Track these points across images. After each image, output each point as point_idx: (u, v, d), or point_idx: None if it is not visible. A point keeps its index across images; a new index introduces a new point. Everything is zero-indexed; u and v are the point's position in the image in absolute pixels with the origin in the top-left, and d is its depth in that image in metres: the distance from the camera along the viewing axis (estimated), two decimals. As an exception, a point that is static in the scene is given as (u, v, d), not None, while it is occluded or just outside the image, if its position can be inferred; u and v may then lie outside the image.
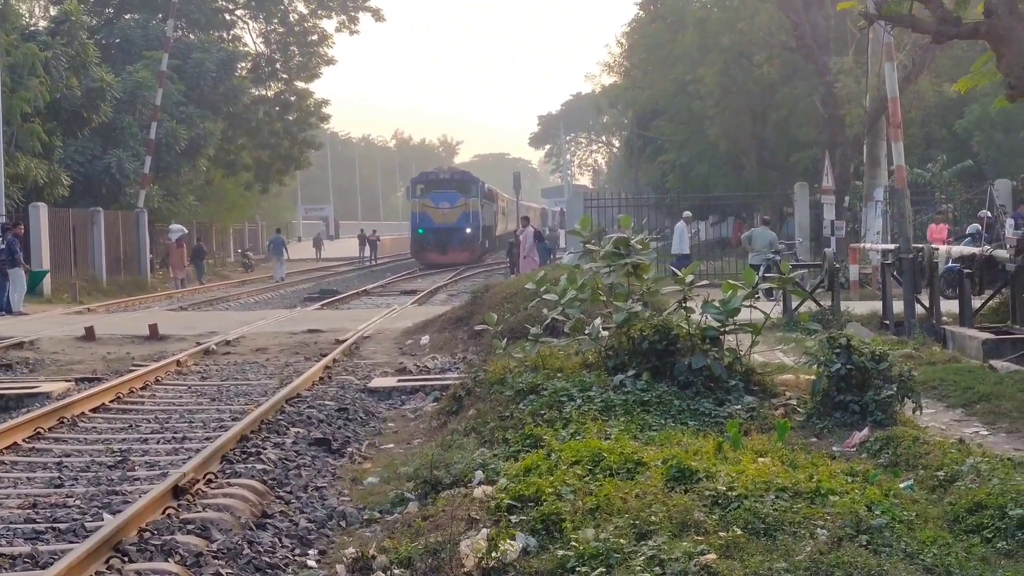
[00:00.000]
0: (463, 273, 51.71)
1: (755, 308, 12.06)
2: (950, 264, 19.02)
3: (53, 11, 51.99)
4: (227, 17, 63.97)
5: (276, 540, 8.07)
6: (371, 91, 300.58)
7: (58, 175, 40.51)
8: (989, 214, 27.89)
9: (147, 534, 7.78)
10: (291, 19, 64.67)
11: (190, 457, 10.09)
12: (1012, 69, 13.54)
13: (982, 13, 13.55)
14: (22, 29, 41.35)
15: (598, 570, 6.42)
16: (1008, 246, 17.35)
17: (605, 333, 12.29)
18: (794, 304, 19.14)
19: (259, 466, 10.05)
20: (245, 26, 64.90)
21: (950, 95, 30.77)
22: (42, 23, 48.65)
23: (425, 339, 20.30)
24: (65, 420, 12.44)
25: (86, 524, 8.23)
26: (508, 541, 6.94)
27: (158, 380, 15.68)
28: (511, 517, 7.36)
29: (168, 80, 47.17)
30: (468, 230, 59.82)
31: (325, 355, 17.85)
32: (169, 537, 7.70)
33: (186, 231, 46.92)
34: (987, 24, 13.46)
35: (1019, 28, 13.31)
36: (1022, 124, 36.30)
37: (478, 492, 8.07)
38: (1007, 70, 13.66)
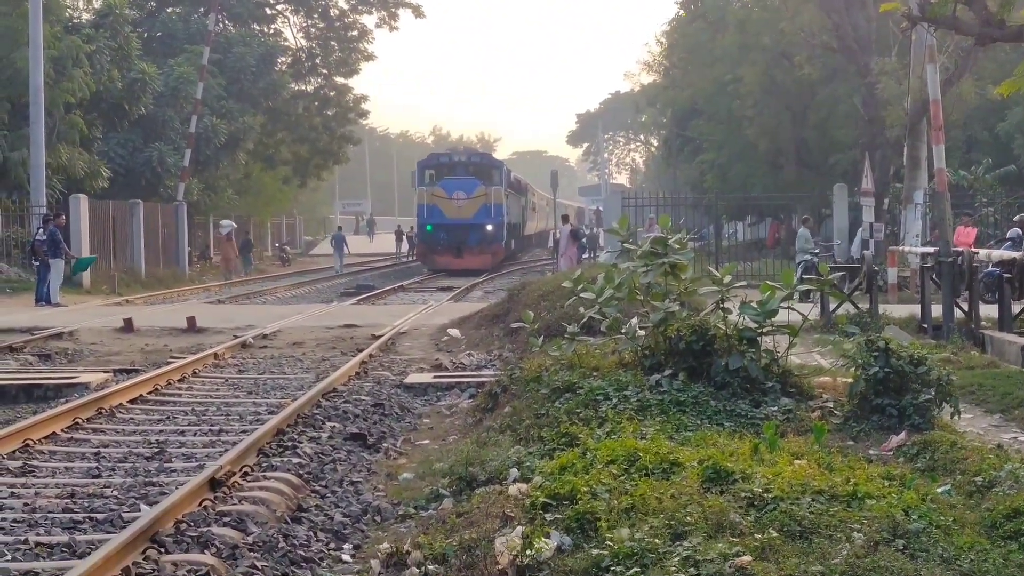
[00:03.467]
0: (491, 274, 47.44)
1: (793, 310, 12.03)
2: (990, 268, 18.90)
3: (97, 3, 52.28)
4: (268, 11, 64.14)
5: (311, 534, 8.09)
6: (411, 91, 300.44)
7: (98, 167, 40.82)
8: (1031, 218, 27.65)
9: (183, 526, 7.82)
10: (332, 14, 64.83)
11: (227, 450, 10.13)
12: (1056, 73, 13.46)
13: (1027, 16, 13.46)
14: (66, 22, 41.64)
15: (633, 570, 6.41)
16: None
17: (641, 332, 12.27)
18: (832, 306, 19.05)
19: (295, 460, 10.08)
20: (286, 20, 65.11)
21: (993, 98, 30.44)
22: (86, 16, 48.91)
23: (461, 335, 20.32)
24: (103, 411, 12.51)
25: (123, 515, 8.27)
26: (543, 539, 6.95)
27: (195, 372, 15.75)
28: (546, 515, 7.36)
29: (209, 74, 47.44)
30: (489, 227, 48.31)
31: (361, 350, 17.87)
32: (205, 529, 7.73)
33: (236, 226, 48.56)
34: (1032, 27, 13.38)
35: (1064, 32, 13.23)
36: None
37: (513, 490, 8.07)
38: (1051, 74, 13.58)
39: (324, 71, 65.41)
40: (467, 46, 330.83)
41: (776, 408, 10.65)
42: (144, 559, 7.09)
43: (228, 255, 45.81)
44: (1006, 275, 17.46)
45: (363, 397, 13.66)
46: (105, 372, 15.90)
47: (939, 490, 7.98)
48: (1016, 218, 27.97)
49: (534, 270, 48.75)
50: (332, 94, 65.12)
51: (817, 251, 30.82)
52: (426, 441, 11.67)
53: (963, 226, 28.79)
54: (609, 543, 6.77)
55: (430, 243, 49.10)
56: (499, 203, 49.16)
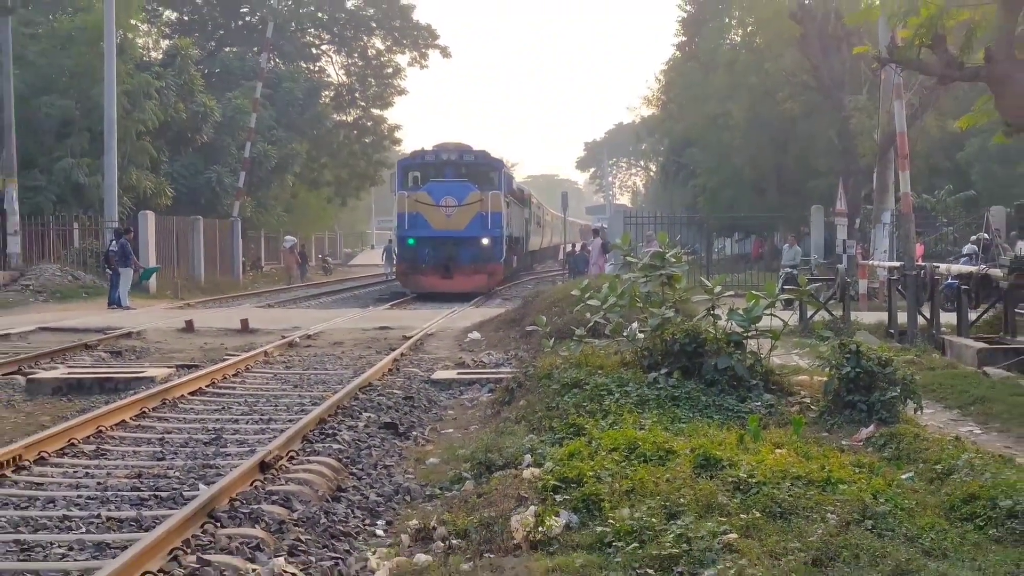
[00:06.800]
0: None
1: (775, 316, 12.03)
2: (949, 280, 18.84)
3: (164, 44, 52.61)
4: (314, 51, 64.48)
5: (349, 511, 8.08)
6: (439, 121, 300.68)
7: (164, 187, 41.11)
8: (987, 236, 27.62)
9: (237, 503, 7.82)
10: (369, 54, 65.06)
11: (275, 436, 10.14)
12: (1009, 109, 13.44)
13: (983, 59, 13.44)
14: (138, 60, 41.83)
15: (632, 545, 6.41)
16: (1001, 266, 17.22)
17: (641, 335, 12.26)
18: (809, 313, 19.01)
19: (335, 446, 10.08)
20: (329, 59, 65.46)
21: (952, 130, 30.40)
22: (155, 54, 49.17)
23: (481, 337, 20.30)
24: (167, 401, 12.54)
25: (184, 493, 8.29)
26: (553, 517, 6.95)
27: (248, 368, 15.77)
28: (556, 496, 7.36)
29: (261, 106, 47.66)
30: (485, 241, 35.21)
31: (394, 349, 17.86)
32: (256, 506, 7.73)
33: (296, 241, 50.42)
34: (987, 69, 13.36)
35: (1016, 73, 13.20)
36: (1017, 157, 35.82)
37: (527, 474, 8.07)
38: (1004, 110, 13.56)
39: (362, 104, 65.63)
40: (488, 81, 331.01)
41: (759, 403, 10.64)
42: (202, 532, 7.10)
43: (290, 264, 48.17)
44: (963, 287, 17.46)
45: (395, 391, 13.65)
46: (168, 367, 15.93)
47: (903, 477, 7.96)
48: (973, 237, 27.94)
49: (546, 280, 48.12)
50: (369, 124, 65.34)
51: (797, 263, 30.82)
52: (450, 430, 11.66)
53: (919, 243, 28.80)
54: (611, 521, 6.77)
55: (412, 260, 35.59)
56: (498, 212, 35.66)
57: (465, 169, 36.39)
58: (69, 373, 14.99)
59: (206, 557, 6.54)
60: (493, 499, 7.65)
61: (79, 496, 8.31)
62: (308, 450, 9.86)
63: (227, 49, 57.25)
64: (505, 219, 36.44)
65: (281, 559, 6.68)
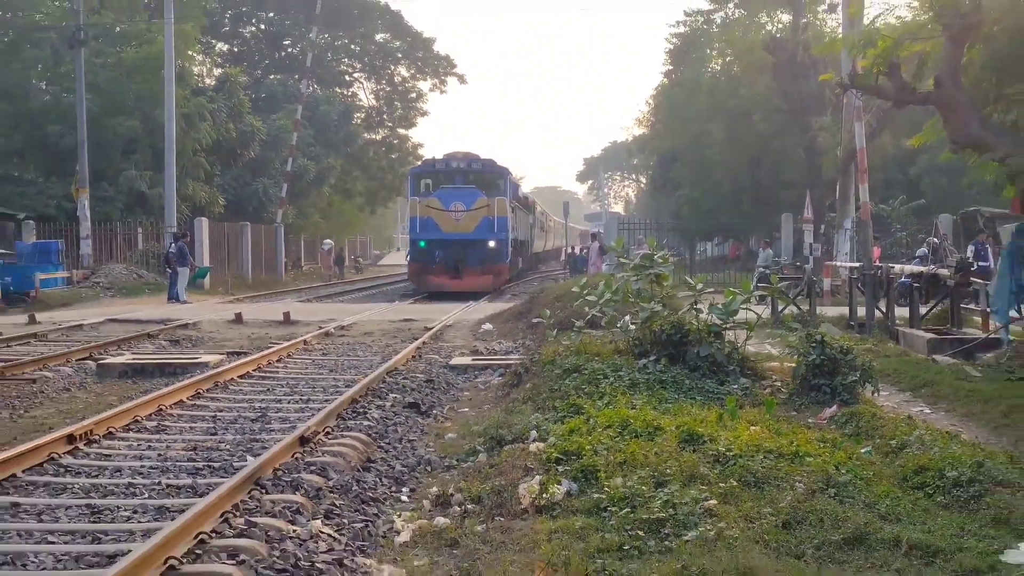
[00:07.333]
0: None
1: (750, 310, 12.02)
2: (903, 279, 18.79)
3: (217, 72, 52.72)
4: (347, 78, 64.50)
5: (377, 480, 8.09)
6: (456, 138, 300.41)
7: (216, 197, 41.20)
8: (936, 241, 27.54)
9: (280, 472, 7.83)
10: (396, 80, 65.06)
11: (313, 414, 10.15)
12: (954, 129, 13.41)
13: (932, 85, 13.41)
14: (193, 86, 41.91)
15: (625, 510, 6.41)
16: (948, 267, 17.18)
17: (633, 327, 12.27)
18: (780, 308, 18.98)
19: (365, 423, 10.09)
20: (361, 85, 65.42)
21: (906, 147, 30.24)
22: (209, 81, 49.24)
23: (493, 328, 20.30)
24: (219, 383, 12.57)
25: (234, 463, 8.30)
26: (555, 486, 6.95)
27: (289, 355, 15.78)
28: (558, 467, 7.37)
29: (301, 126, 47.66)
30: (492, 243, 33.90)
31: (416, 339, 17.87)
32: (296, 475, 7.74)
33: (333, 244, 51.19)
34: (936, 94, 13.33)
35: (960, 98, 13.17)
36: (962, 171, 35.52)
37: (533, 447, 8.07)
38: (950, 130, 13.53)
39: (389, 124, 65.64)
40: (500, 103, 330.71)
41: (736, 386, 10.63)
42: (249, 498, 7.11)
43: (327, 265, 49.20)
44: (915, 285, 17.44)
45: (418, 375, 13.65)
46: (220, 354, 15.96)
47: (862, 451, 7.95)
48: (925, 240, 27.84)
49: (550, 278, 47.98)
50: (395, 142, 65.30)
51: (769, 264, 30.72)
52: (466, 409, 11.67)
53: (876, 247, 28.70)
54: (607, 489, 6.77)
55: (423, 261, 34.20)
56: (503, 216, 34.30)
57: (473, 176, 34.87)
58: (134, 359, 15.02)
59: (253, 519, 6.55)
60: (503, 469, 7.66)
61: (142, 466, 8.33)
62: (342, 426, 9.87)
63: (271, 77, 57.27)
64: (510, 223, 35.26)
65: (318, 521, 6.69)
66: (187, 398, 11.54)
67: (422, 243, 33.93)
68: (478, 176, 34.77)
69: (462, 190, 33.93)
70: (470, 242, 33.41)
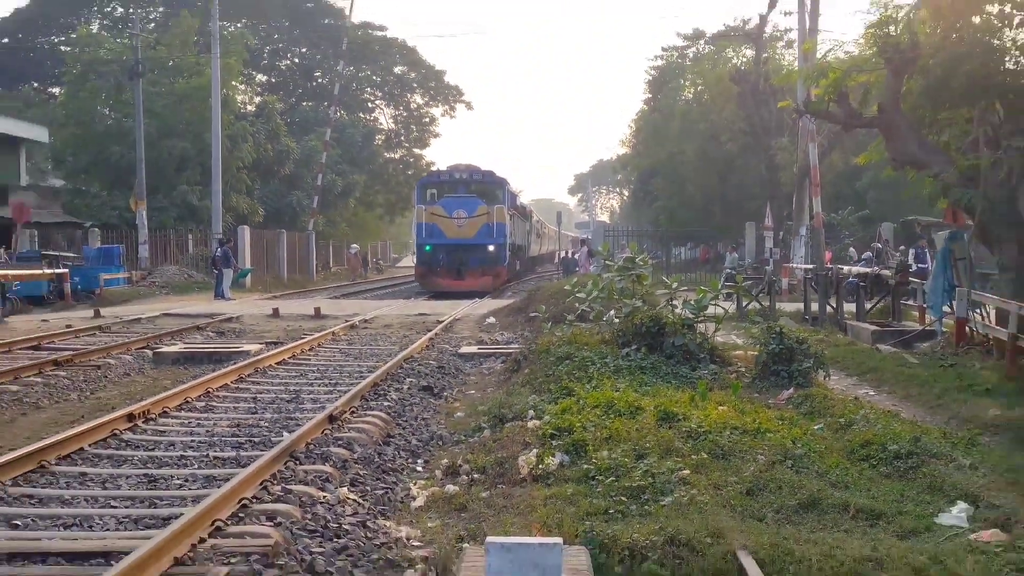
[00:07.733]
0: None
1: (718, 305, 12.02)
2: (851, 279, 18.79)
3: (256, 100, 52.76)
4: (370, 105, 64.51)
5: (396, 453, 8.10)
6: (461, 154, 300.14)
7: (256, 207, 41.22)
8: (879, 245, 27.59)
9: (311, 446, 7.84)
10: (411, 107, 64.98)
11: (340, 396, 10.13)
12: (895, 149, 13.42)
13: (876, 111, 13.41)
14: (236, 112, 41.93)
15: (610, 478, 6.42)
16: (889, 268, 17.21)
17: (617, 320, 12.27)
18: (744, 304, 18.98)
19: (385, 403, 10.08)
20: (381, 111, 65.35)
21: (853, 165, 30.20)
22: (249, 107, 49.26)
23: (496, 321, 20.28)
24: (259, 369, 12.57)
25: (272, 438, 8.31)
26: (550, 457, 6.95)
27: (320, 345, 15.76)
28: (552, 442, 7.37)
29: (330, 146, 47.60)
30: (491, 247, 32.64)
31: (430, 331, 17.84)
32: (326, 449, 7.75)
33: (358, 248, 51.59)
34: (879, 118, 13.33)
35: (900, 122, 13.17)
36: (903, 185, 35.55)
37: (530, 424, 8.08)
38: (892, 150, 13.54)
39: (406, 145, 65.53)
40: (501, 124, 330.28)
41: (706, 371, 10.63)
42: (285, 468, 7.12)
43: (354, 266, 49.53)
44: (861, 284, 17.45)
45: (431, 362, 13.65)
46: (260, 344, 15.93)
47: (815, 427, 7.96)
48: (872, 245, 27.87)
49: (545, 279, 47.82)
50: (411, 160, 65.19)
51: (735, 266, 30.71)
52: (472, 391, 11.67)
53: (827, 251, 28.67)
54: (594, 460, 6.78)
55: (429, 264, 32.90)
56: (502, 223, 32.93)
57: (474, 186, 33.71)
58: (185, 348, 15.02)
59: (289, 487, 6.55)
60: (505, 444, 7.66)
61: (192, 440, 8.34)
62: (365, 406, 9.87)
63: (304, 103, 57.32)
64: (508, 229, 33.84)
65: (345, 489, 6.70)
66: (231, 382, 11.55)
67: (428, 247, 32.83)
68: (479, 186, 33.80)
69: (464, 199, 32.92)
70: (471, 246, 32.32)
